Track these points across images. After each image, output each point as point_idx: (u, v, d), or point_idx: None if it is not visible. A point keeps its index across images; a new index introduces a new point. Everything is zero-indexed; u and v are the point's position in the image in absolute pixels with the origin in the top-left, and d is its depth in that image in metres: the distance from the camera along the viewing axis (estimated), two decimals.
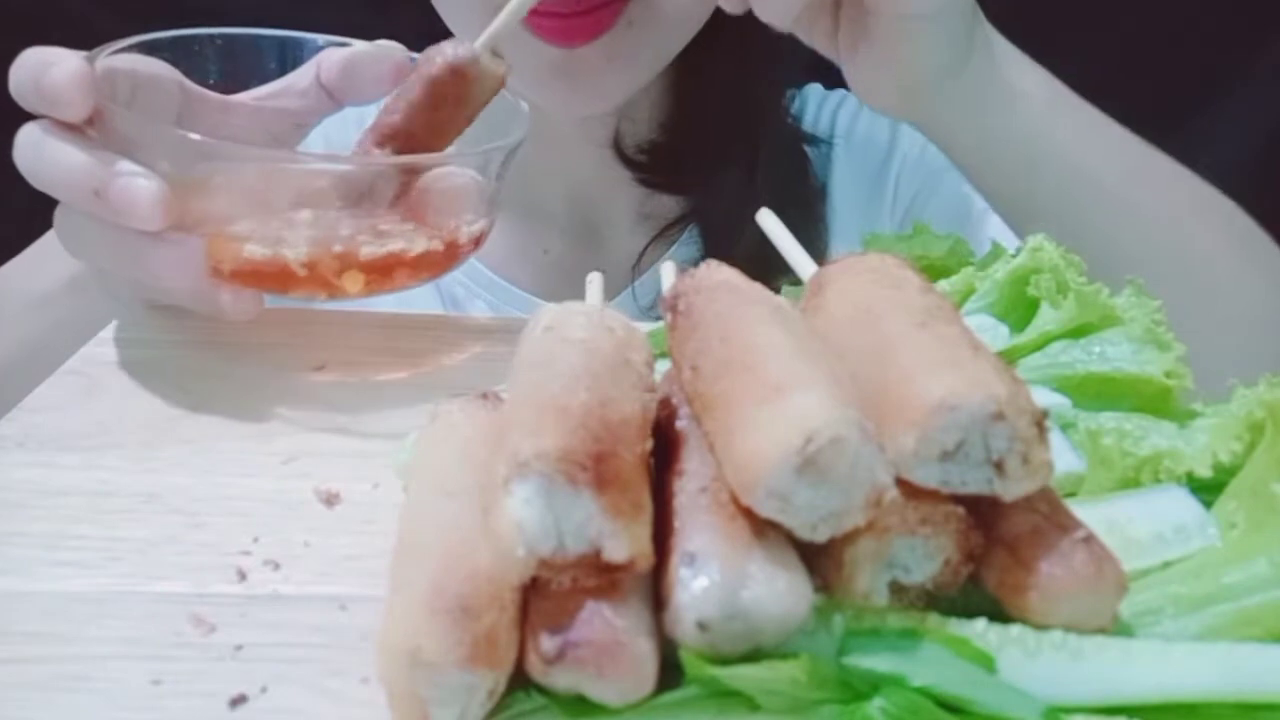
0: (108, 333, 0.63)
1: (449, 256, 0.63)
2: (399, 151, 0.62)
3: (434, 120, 0.63)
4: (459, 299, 0.98)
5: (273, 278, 0.58)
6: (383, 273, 0.59)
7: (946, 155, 0.76)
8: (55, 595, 0.42)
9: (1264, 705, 0.33)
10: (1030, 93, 0.72)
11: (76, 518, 0.47)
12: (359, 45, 0.67)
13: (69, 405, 0.56)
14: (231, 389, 0.58)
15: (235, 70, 0.68)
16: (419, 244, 0.60)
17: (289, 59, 0.70)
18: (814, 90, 1.06)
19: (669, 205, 0.99)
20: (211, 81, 0.66)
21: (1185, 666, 0.34)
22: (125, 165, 0.54)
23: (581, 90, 0.84)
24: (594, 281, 0.52)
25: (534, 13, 0.74)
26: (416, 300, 0.94)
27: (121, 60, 0.62)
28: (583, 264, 0.97)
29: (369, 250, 0.58)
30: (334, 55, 0.66)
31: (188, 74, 0.64)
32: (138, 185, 0.54)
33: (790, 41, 0.73)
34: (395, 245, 0.59)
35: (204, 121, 0.63)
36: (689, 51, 0.87)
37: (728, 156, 0.95)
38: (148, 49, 0.64)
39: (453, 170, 0.64)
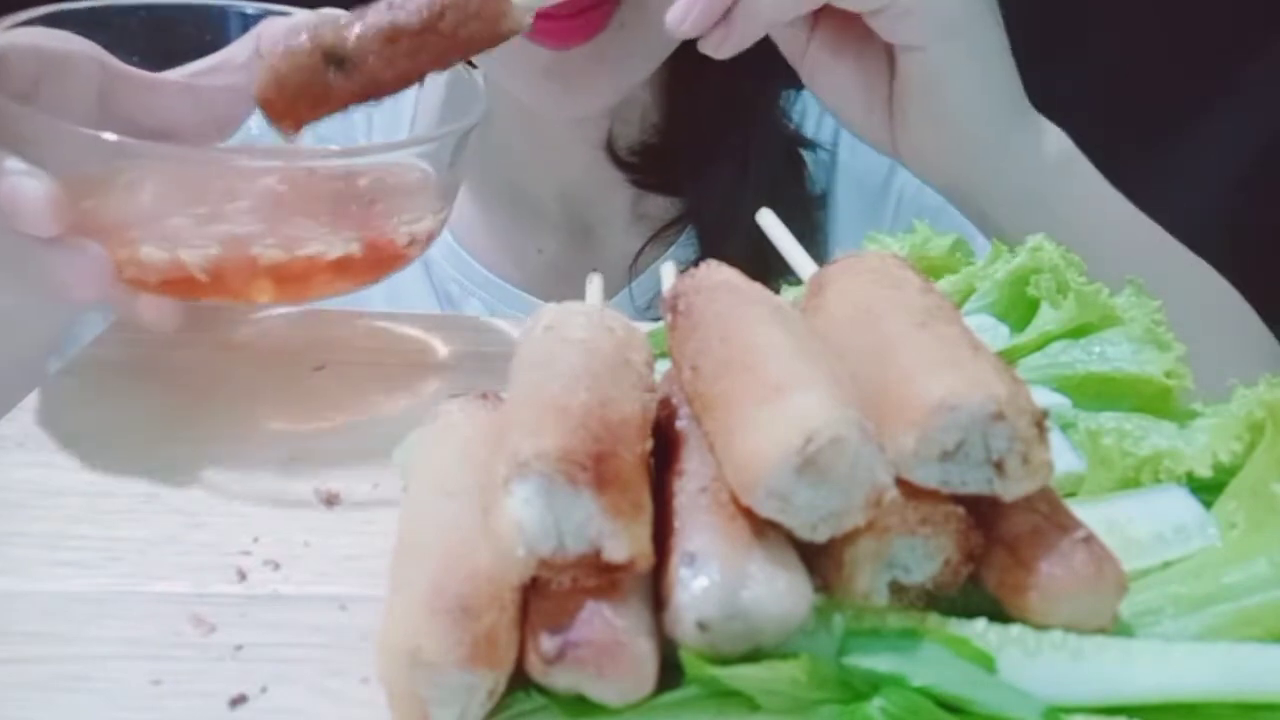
0: (107, 333, 0.63)
1: (387, 259, 0.57)
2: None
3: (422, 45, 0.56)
4: (454, 296, 0.99)
5: (174, 285, 0.53)
6: (298, 280, 0.54)
7: (995, 231, 0.76)
8: (55, 595, 0.42)
9: (1264, 705, 0.33)
10: (1081, 168, 0.74)
11: (76, 518, 0.47)
12: (301, 14, 0.61)
13: (69, 405, 0.56)
14: (231, 389, 0.58)
15: (163, 44, 0.62)
16: (336, 247, 0.54)
17: (222, 30, 0.63)
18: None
19: (663, 205, 0.99)
20: (136, 59, 0.59)
21: (1185, 666, 0.34)
22: (10, 163, 0.49)
23: (574, 91, 0.84)
24: (594, 281, 0.52)
25: None
26: (410, 300, 0.95)
27: (22, 36, 0.55)
28: (577, 263, 0.97)
29: (274, 255, 0.53)
30: (276, 25, 0.59)
31: (108, 49, 0.58)
32: (25, 186, 0.48)
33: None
34: (309, 249, 0.53)
35: (130, 103, 0.58)
36: (681, 53, 0.87)
37: (719, 157, 0.95)
38: (54, 22, 0.57)
39: (395, 163, 0.59)
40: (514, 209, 1.00)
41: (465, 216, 1.00)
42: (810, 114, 1.05)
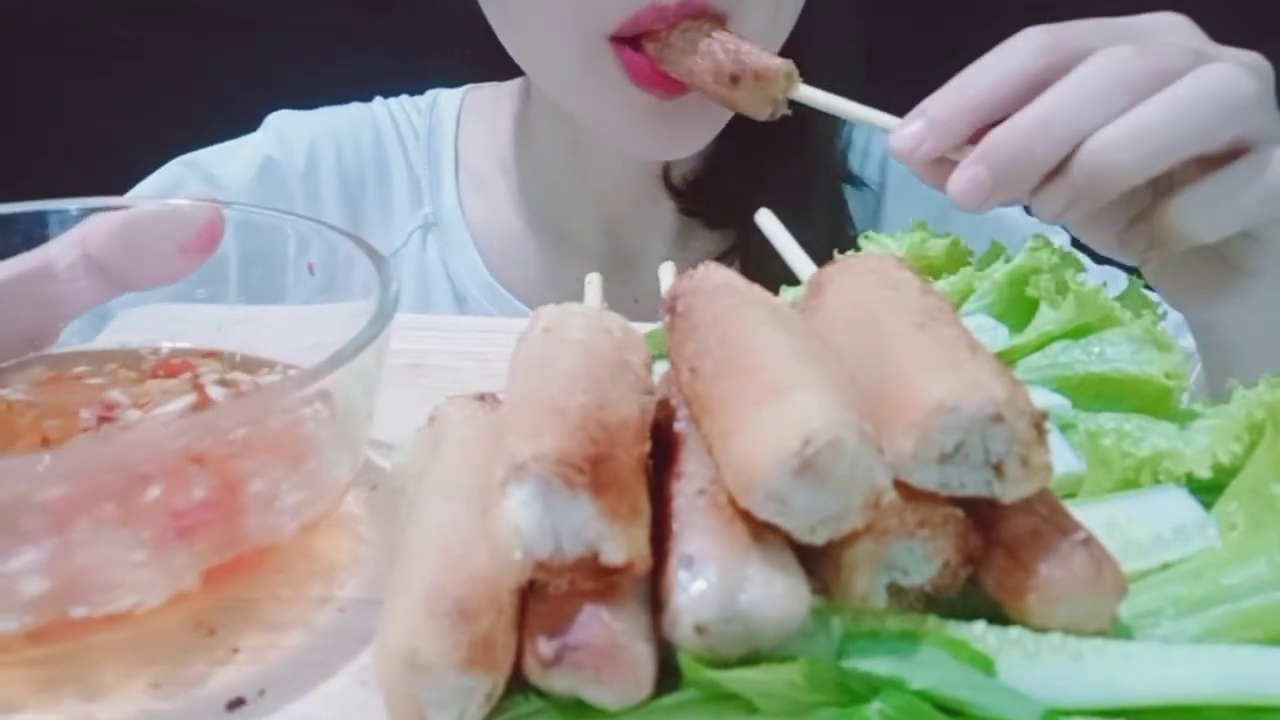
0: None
1: (247, 565, 0.39)
2: None
3: None
4: None
5: None
6: (71, 631, 0.36)
7: (1231, 362, 0.70)
8: None
9: (1264, 708, 0.33)
10: None
11: None
12: (141, 205, 0.48)
13: None
14: None
15: None
16: (156, 593, 0.35)
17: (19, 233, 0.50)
18: None
19: (707, 237, 0.99)
20: None
21: (1185, 669, 0.34)
22: None
23: (676, 135, 0.83)
24: (592, 282, 0.52)
25: (631, 56, 0.75)
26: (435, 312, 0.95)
27: None
28: (619, 295, 0.96)
29: (27, 622, 0.34)
30: (105, 225, 0.48)
31: None
32: None
33: (846, 79, 0.72)
34: (115, 604, 0.35)
35: None
36: None
37: (775, 189, 0.95)
38: None
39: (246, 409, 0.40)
40: (556, 242, 1.01)
41: (502, 251, 1.01)
42: (855, 148, 1.04)
